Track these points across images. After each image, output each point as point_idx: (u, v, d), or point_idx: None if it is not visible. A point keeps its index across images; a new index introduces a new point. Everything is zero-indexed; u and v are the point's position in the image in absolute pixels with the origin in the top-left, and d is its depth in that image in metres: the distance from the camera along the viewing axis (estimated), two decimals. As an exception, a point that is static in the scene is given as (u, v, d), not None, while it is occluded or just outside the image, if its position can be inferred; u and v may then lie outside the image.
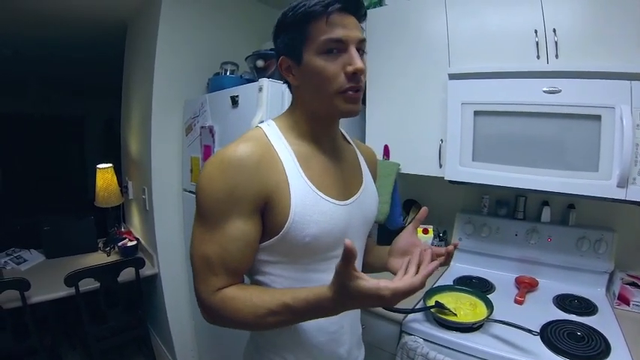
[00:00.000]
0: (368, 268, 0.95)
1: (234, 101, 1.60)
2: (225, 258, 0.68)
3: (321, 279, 0.72)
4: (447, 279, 1.59)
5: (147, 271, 2.15)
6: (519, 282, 1.50)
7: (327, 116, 0.77)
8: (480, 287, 1.48)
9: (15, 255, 2.21)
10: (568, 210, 1.52)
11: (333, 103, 0.71)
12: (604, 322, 1.21)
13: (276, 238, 0.70)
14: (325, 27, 0.67)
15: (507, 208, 1.66)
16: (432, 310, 1.24)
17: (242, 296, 0.68)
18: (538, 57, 1.27)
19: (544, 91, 1.22)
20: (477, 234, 1.67)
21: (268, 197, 0.69)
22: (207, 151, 1.80)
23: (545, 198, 1.58)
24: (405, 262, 0.67)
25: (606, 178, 1.14)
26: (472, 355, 1.11)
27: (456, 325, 1.19)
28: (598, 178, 1.16)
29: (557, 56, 1.24)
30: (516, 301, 1.37)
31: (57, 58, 3.20)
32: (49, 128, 4.75)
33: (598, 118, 1.14)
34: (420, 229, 1.61)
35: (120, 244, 2.24)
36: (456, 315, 1.21)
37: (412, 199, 1.90)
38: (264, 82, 1.44)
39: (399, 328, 1.29)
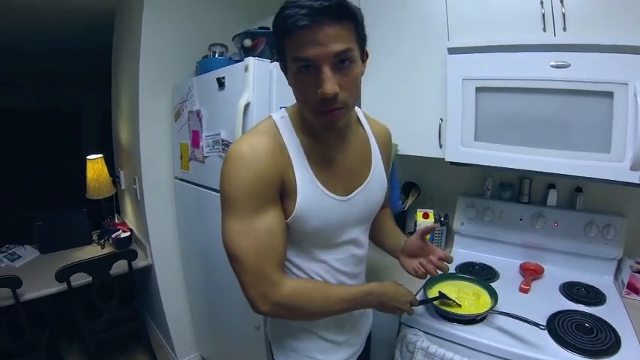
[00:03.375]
0: (379, 244, 1.12)
1: (221, 83, 1.52)
2: (276, 246, 0.72)
3: (327, 261, 0.85)
4: (450, 266, 1.52)
5: (141, 262, 2.10)
6: (524, 269, 1.44)
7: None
8: (483, 275, 1.42)
9: (9, 252, 2.15)
10: (575, 193, 1.44)
11: (312, 118, 0.72)
12: (613, 312, 1.15)
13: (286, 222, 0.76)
14: (293, 45, 0.63)
15: (511, 192, 1.58)
16: (434, 302, 1.17)
17: (312, 286, 0.79)
18: (544, 30, 1.16)
19: (551, 66, 1.12)
20: (480, 218, 1.60)
21: (282, 184, 0.73)
22: (195, 137, 1.72)
23: (551, 180, 1.49)
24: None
25: (619, 160, 1.05)
26: (475, 349, 1.06)
27: (458, 318, 1.13)
28: (610, 160, 1.07)
29: (564, 29, 1.12)
30: (521, 290, 1.31)
31: (48, 50, 3.08)
32: (45, 122, 4.64)
33: (610, 95, 1.04)
34: (419, 214, 1.55)
35: (113, 235, 2.19)
36: (460, 306, 1.15)
37: (412, 181, 1.82)
38: (250, 61, 1.36)
39: (399, 320, 1.23)
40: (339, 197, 0.80)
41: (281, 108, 0.84)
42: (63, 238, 2.25)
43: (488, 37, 1.24)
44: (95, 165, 2.21)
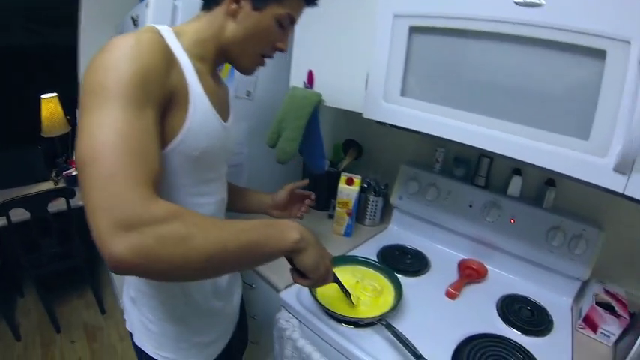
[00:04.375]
0: (239, 209, 1.05)
1: (135, 22, 1.36)
2: (152, 155, 0.52)
3: (197, 207, 0.73)
4: (374, 245, 1.29)
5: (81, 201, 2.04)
6: (463, 267, 1.18)
7: (232, 57, 0.77)
8: (411, 264, 1.19)
9: (-30, 185, 2.14)
10: (545, 187, 1.11)
11: (244, 57, 0.76)
12: (554, 349, 0.88)
13: (168, 148, 0.62)
14: (298, 6, 0.75)
15: (466, 170, 1.27)
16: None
17: (197, 214, 0.53)
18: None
19: (516, 2, 0.77)
20: (422, 195, 1.31)
21: (171, 93, 0.61)
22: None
23: (518, 165, 1.16)
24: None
25: (599, 154, 0.70)
26: (347, 358, 0.86)
27: (337, 317, 0.91)
28: (587, 152, 0.72)
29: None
30: (448, 294, 1.06)
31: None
32: (39, 60, 4.58)
33: (601, 54, 0.67)
34: (343, 178, 1.29)
35: (65, 173, 2.13)
36: (353, 305, 0.93)
37: (353, 139, 1.54)
38: (151, -2, 1.15)
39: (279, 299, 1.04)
40: (222, 122, 0.74)
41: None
42: (19, 174, 2.21)
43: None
44: (49, 104, 2.14)
